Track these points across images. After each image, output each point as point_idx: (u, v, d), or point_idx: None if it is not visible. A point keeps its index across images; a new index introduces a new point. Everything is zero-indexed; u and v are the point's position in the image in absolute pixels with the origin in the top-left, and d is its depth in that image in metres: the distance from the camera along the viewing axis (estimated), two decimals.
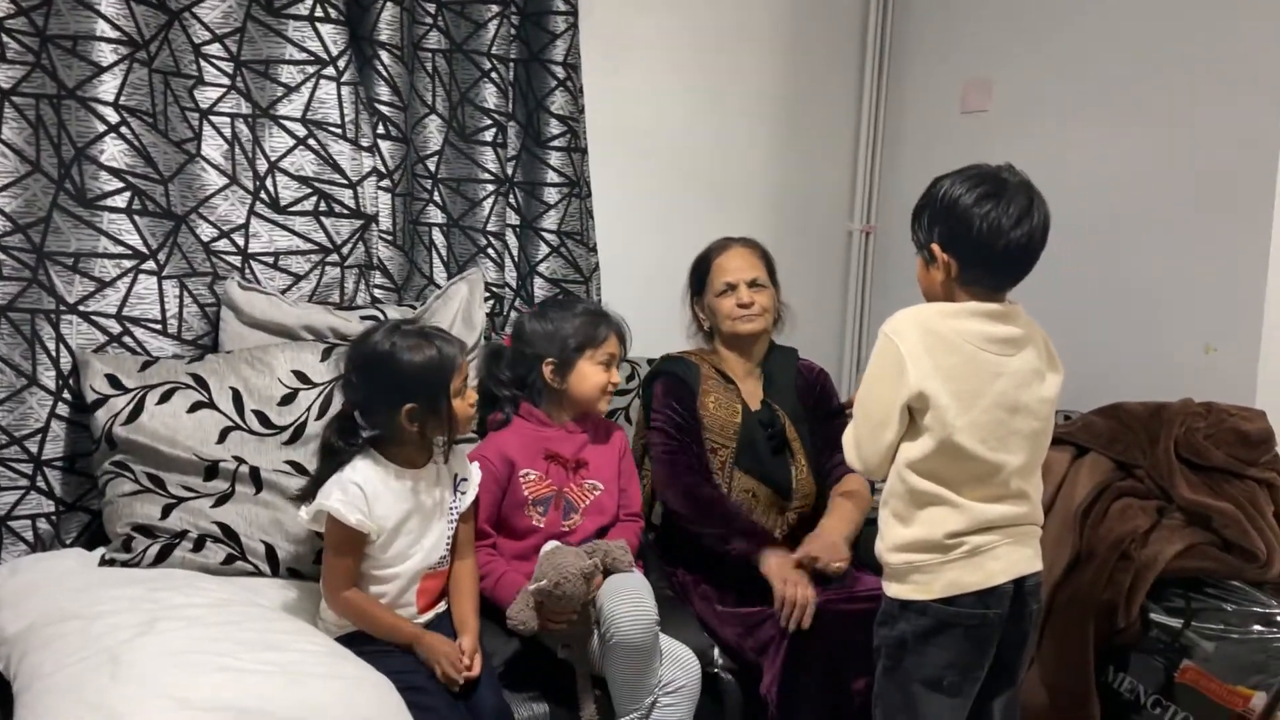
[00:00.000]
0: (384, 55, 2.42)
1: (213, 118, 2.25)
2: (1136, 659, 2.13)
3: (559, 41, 2.67)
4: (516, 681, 1.88)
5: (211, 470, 2.01)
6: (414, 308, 2.47)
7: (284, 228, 2.32)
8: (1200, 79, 2.64)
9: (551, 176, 2.72)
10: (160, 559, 1.91)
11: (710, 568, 2.24)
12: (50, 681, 1.51)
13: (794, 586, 1.99)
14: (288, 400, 2.13)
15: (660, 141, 3.07)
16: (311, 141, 2.33)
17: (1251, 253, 2.54)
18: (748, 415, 2.36)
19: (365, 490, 1.78)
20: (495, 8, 2.58)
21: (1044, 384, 1.67)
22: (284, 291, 2.32)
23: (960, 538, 1.62)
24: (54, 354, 2.08)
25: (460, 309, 2.41)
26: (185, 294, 2.21)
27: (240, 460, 2.04)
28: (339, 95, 2.34)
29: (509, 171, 2.70)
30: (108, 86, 2.08)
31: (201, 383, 2.08)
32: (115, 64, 2.08)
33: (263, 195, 2.30)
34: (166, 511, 1.96)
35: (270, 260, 2.32)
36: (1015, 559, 1.66)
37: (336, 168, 2.35)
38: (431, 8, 2.53)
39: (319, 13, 2.30)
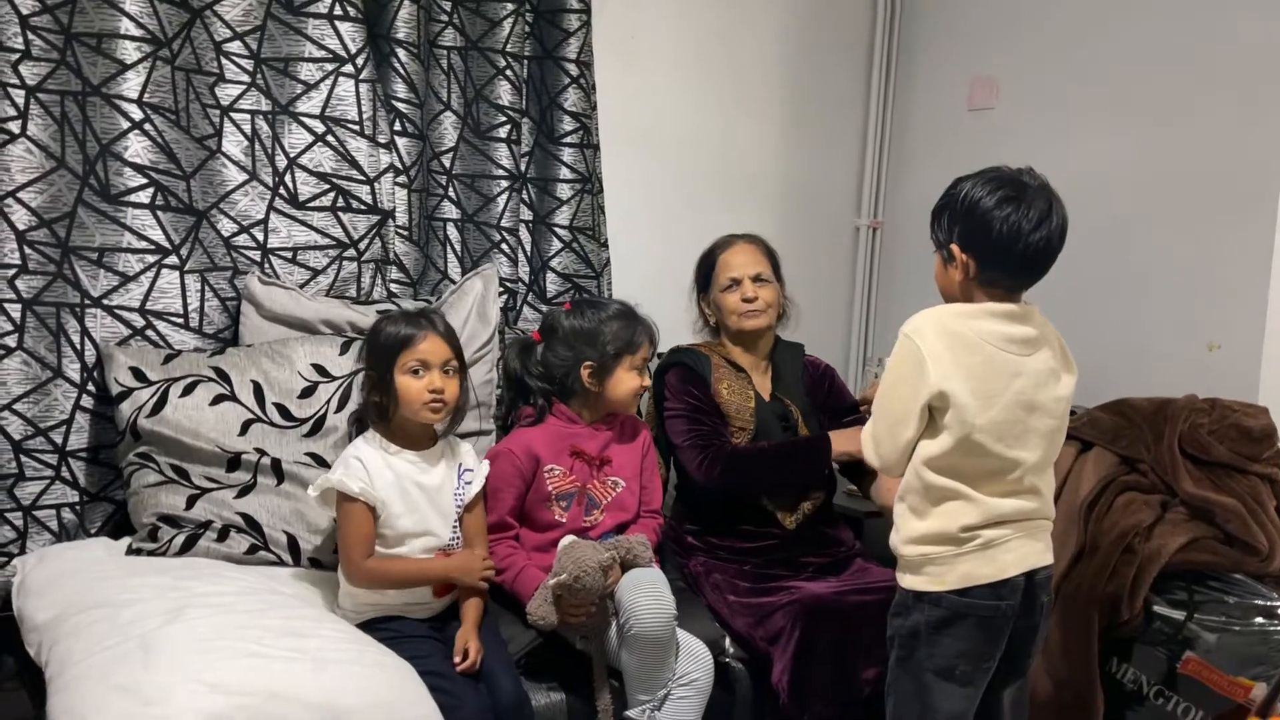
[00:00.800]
0: (401, 53, 2.46)
1: (233, 114, 2.29)
2: (1139, 650, 2.16)
3: (572, 39, 2.70)
4: (534, 671, 1.92)
5: (234, 462, 2.05)
6: (429, 302, 2.50)
7: (302, 223, 2.36)
8: (1205, 76, 2.67)
9: (564, 173, 2.75)
10: (186, 548, 1.95)
11: (722, 558, 2.27)
12: (82, 668, 1.55)
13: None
14: (308, 393, 2.16)
15: (670, 137, 3.11)
16: (330, 138, 2.36)
17: (1255, 250, 2.57)
18: (761, 403, 2.39)
19: (366, 465, 1.86)
20: (510, 6, 2.61)
21: (1059, 384, 1.70)
22: (302, 286, 2.35)
23: (974, 531, 1.65)
24: (78, 347, 2.12)
25: (475, 304, 2.45)
26: (206, 288, 2.25)
27: (262, 452, 2.07)
28: (357, 92, 2.37)
29: (522, 168, 2.73)
30: (131, 84, 2.11)
31: (223, 376, 2.11)
32: (139, 61, 2.12)
33: (282, 191, 2.34)
34: (191, 502, 2.00)
35: (289, 255, 2.35)
36: (1027, 552, 1.69)
37: (354, 164, 2.39)
38: (448, 6, 2.56)
39: (338, 11, 2.33)
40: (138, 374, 2.06)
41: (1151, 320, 2.78)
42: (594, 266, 2.81)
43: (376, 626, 1.82)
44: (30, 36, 2.03)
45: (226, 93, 2.28)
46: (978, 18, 3.26)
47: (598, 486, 2.16)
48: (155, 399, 2.04)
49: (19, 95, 2.03)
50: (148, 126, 2.14)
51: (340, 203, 2.39)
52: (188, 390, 2.07)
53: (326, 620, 1.77)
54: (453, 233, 2.65)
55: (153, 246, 2.16)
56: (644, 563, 1.98)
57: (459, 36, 2.59)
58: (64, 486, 2.12)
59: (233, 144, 2.29)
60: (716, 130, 3.20)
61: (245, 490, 2.04)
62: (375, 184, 2.42)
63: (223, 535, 1.98)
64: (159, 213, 2.16)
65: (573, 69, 2.72)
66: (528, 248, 2.79)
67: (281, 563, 2.02)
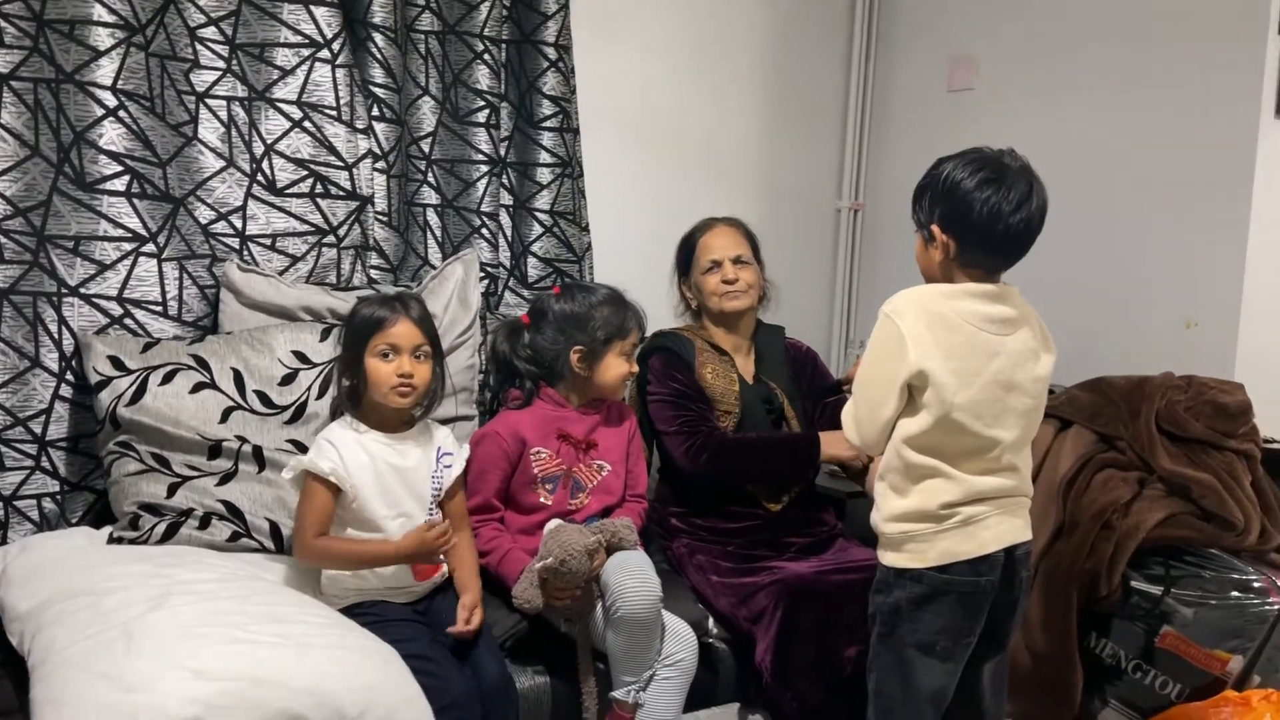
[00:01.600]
0: (378, 37, 2.44)
1: (209, 101, 2.27)
2: (1118, 625, 2.19)
3: (550, 23, 2.70)
4: (519, 653, 1.93)
5: (215, 450, 2.05)
6: (410, 288, 2.50)
7: (281, 210, 2.35)
8: (1181, 56, 2.68)
9: (544, 157, 2.75)
10: (167, 536, 1.95)
11: (705, 539, 2.29)
12: (65, 656, 1.54)
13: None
14: (288, 380, 2.16)
15: (650, 121, 3.10)
16: (307, 124, 2.35)
17: (1231, 228, 2.59)
18: (745, 386, 2.40)
19: (338, 447, 1.86)
20: None
21: (1038, 363, 1.71)
22: (281, 273, 2.35)
23: (954, 508, 1.67)
24: (56, 336, 2.11)
25: (456, 289, 2.44)
26: (185, 276, 2.24)
27: (243, 440, 2.07)
28: (334, 78, 2.36)
29: (502, 152, 2.72)
30: (105, 70, 2.10)
31: (203, 364, 2.11)
32: (112, 48, 2.10)
33: (259, 178, 2.32)
34: (172, 490, 2.00)
35: (268, 242, 2.34)
36: (1006, 529, 1.71)
37: (332, 150, 2.38)
38: None
39: None
40: (116, 363, 2.05)
41: (1129, 299, 2.80)
42: (575, 251, 2.80)
43: (360, 611, 1.83)
44: (2, 24, 2.02)
45: (202, 79, 2.27)
46: None
47: (583, 470, 2.16)
48: (134, 387, 2.04)
49: None
50: (122, 113, 2.12)
51: (319, 189, 2.38)
52: (167, 378, 2.06)
53: (309, 605, 1.76)
54: (433, 218, 2.64)
55: (129, 234, 2.15)
56: (629, 546, 1.99)
57: (436, 21, 2.58)
58: (44, 476, 2.11)
59: (209, 131, 2.28)
60: (697, 113, 3.20)
61: (227, 478, 2.04)
62: (354, 170, 2.41)
63: (204, 523, 1.98)
64: (135, 200, 2.15)
65: (551, 53, 2.71)
66: (508, 232, 2.78)
67: (264, 549, 2.02)
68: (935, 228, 1.68)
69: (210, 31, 2.26)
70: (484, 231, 2.68)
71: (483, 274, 2.63)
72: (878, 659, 1.76)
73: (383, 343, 1.87)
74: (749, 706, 2.09)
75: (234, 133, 2.30)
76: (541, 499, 2.12)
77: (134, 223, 2.15)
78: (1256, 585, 2.13)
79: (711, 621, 2.13)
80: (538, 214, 2.77)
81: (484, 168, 2.66)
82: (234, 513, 2.02)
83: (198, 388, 2.08)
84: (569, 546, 1.88)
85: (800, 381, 2.50)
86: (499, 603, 1.99)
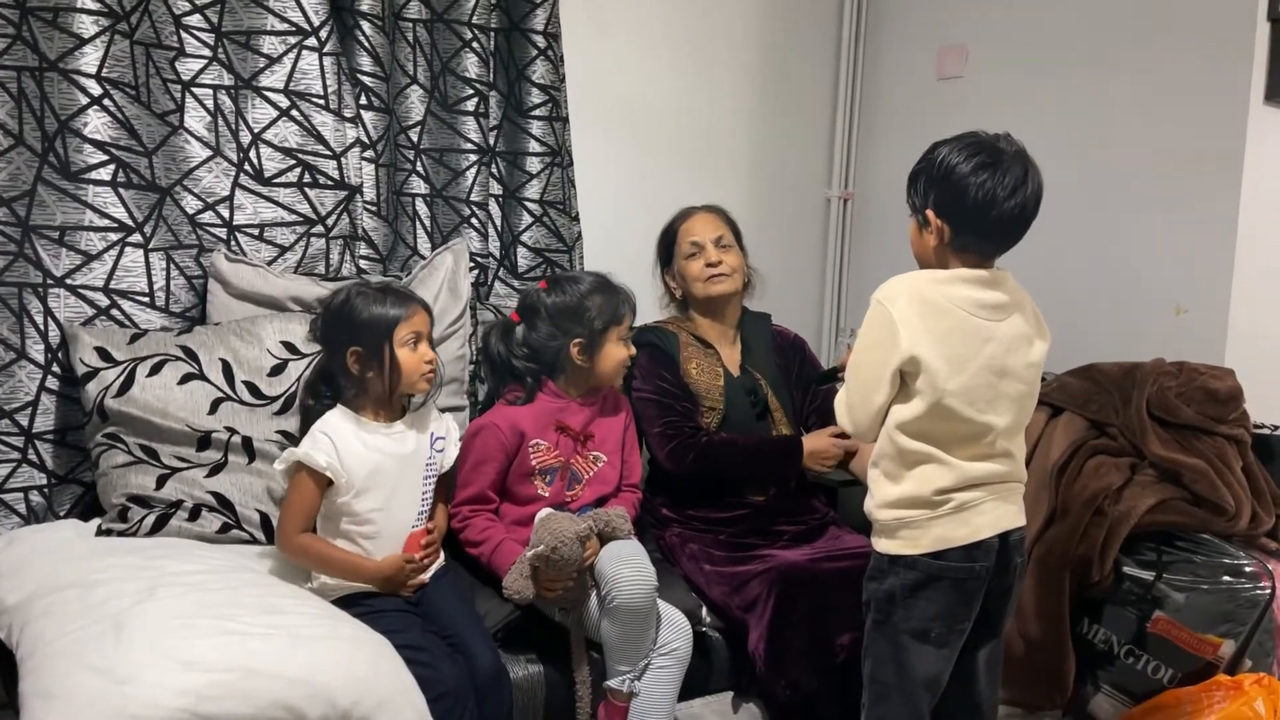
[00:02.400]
0: (365, 25, 2.42)
1: (195, 89, 2.25)
2: (1110, 610, 2.20)
3: (539, 10, 2.68)
4: (512, 642, 1.92)
5: (204, 441, 2.03)
6: (399, 278, 2.48)
7: (269, 199, 2.33)
8: (1170, 43, 2.68)
9: (533, 146, 2.73)
10: (157, 528, 1.94)
11: (697, 529, 2.28)
12: (54, 648, 1.53)
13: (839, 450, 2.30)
14: (277, 371, 2.14)
15: (640, 110, 3.09)
16: (294, 113, 2.33)
17: (1221, 214, 2.59)
18: (730, 380, 2.40)
19: (334, 440, 1.86)
20: None
21: (1031, 349, 1.71)
22: (270, 263, 2.33)
23: (948, 494, 1.66)
24: (42, 328, 2.08)
25: (446, 279, 2.43)
26: (172, 266, 2.22)
27: (232, 430, 2.06)
28: (321, 66, 2.34)
29: (491, 141, 2.71)
30: (89, 59, 2.07)
31: (191, 355, 2.09)
32: (96, 36, 2.08)
33: (247, 167, 2.30)
34: (161, 482, 1.98)
35: (255, 232, 2.32)
36: (1000, 514, 1.71)
37: (320, 139, 2.36)
38: None
39: None
40: (103, 354, 2.03)
41: (1119, 285, 2.80)
42: (565, 240, 2.79)
43: (351, 602, 1.82)
44: None
45: (187, 67, 2.24)
46: None
47: (580, 461, 2.16)
48: (122, 379, 2.02)
49: None
50: (107, 102, 2.10)
51: (307, 178, 2.36)
52: (155, 370, 2.05)
53: (301, 596, 1.76)
54: (422, 208, 2.63)
55: (115, 225, 2.13)
56: (623, 535, 1.99)
57: (424, 9, 2.56)
58: (31, 469, 2.09)
59: (195, 120, 2.26)
60: (686, 102, 3.19)
61: (216, 469, 2.03)
62: (342, 159, 2.39)
63: (194, 514, 1.97)
64: (121, 190, 2.13)
65: (540, 41, 2.69)
66: (498, 222, 2.77)
67: (254, 541, 2.01)
68: (930, 212, 1.67)
69: (196, 19, 2.24)
70: (473, 221, 2.67)
71: (472, 264, 2.61)
72: (872, 646, 1.76)
73: (409, 332, 1.90)
74: (742, 695, 2.09)
75: (220, 122, 2.28)
76: (539, 490, 2.11)
77: (120, 213, 2.13)
78: (1248, 570, 2.14)
79: (705, 610, 2.13)
80: (527, 203, 2.75)
81: (473, 157, 2.65)
82: (224, 504, 2.00)
83: (186, 379, 2.07)
84: (560, 534, 1.87)
85: (788, 370, 2.50)
86: (491, 593, 1.98)
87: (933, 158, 1.67)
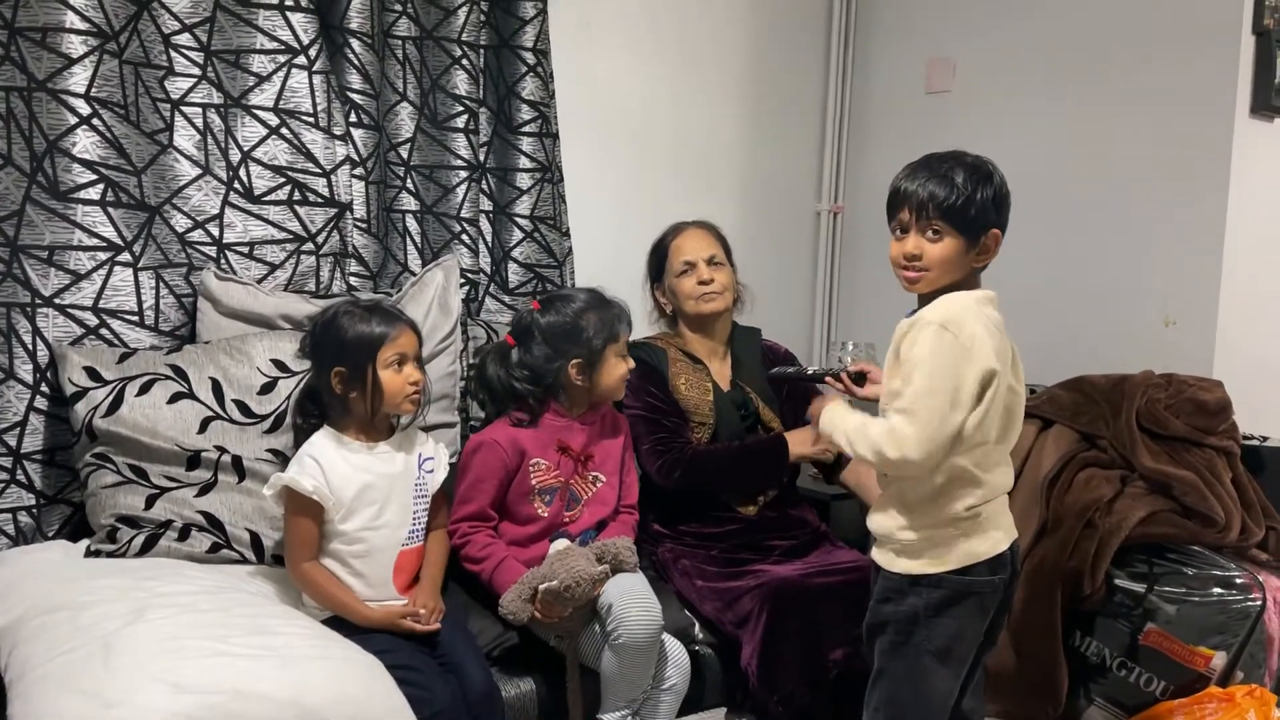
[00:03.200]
0: (355, 43, 2.43)
1: (184, 108, 2.25)
2: (1102, 623, 2.20)
3: (528, 27, 2.69)
4: (505, 662, 1.92)
5: (194, 460, 2.02)
6: (390, 294, 2.48)
7: (258, 217, 2.33)
8: (1157, 56, 2.71)
9: (523, 162, 2.74)
10: (146, 549, 1.93)
11: (689, 544, 2.28)
12: (43, 671, 1.52)
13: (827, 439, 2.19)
14: (267, 389, 2.14)
15: (630, 125, 3.10)
16: (284, 131, 2.33)
17: (1208, 227, 2.61)
18: (719, 395, 2.40)
19: (321, 462, 1.85)
20: None
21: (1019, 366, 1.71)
22: (260, 281, 2.32)
23: (976, 509, 1.65)
24: (30, 347, 2.07)
25: (436, 295, 2.43)
26: (161, 285, 2.21)
27: (222, 450, 2.05)
28: (310, 84, 2.34)
29: (481, 158, 2.71)
30: (78, 78, 2.07)
31: (181, 373, 2.08)
32: (85, 55, 2.08)
33: (236, 185, 2.30)
34: (150, 502, 1.97)
35: (245, 250, 2.32)
36: (1008, 524, 1.72)
37: (310, 156, 2.36)
38: None
39: (289, 2, 2.30)
40: (92, 373, 2.02)
41: (1108, 298, 2.81)
42: (556, 256, 2.79)
43: (343, 622, 1.81)
44: None
45: (177, 86, 2.24)
46: (933, 0, 3.28)
47: (580, 482, 2.15)
48: (111, 398, 2.01)
49: None
50: (96, 122, 2.10)
51: (296, 196, 2.36)
52: (144, 389, 2.04)
53: (292, 617, 1.75)
54: (412, 224, 2.63)
55: (104, 244, 2.12)
56: (629, 568, 1.97)
57: (413, 26, 2.56)
58: (19, 490, 2.08)
59: (184, 138, 2.26)
60: (676, 117, 3.20)
61: (206, 488, 2.02)
62: (332, 176, 2.39)
63: (184, 534, 1.96)
64: (110, 209, 2.13)
65: (530, 57, 2.70)
66: (489, 238, 2.77)
67: (245, 561, 2.00)
68: (996, 232, 1.66)
69: (185, 38, 2.24)
70: (464, 237, 2.67)
71: (463, 280, 2.62)
72: (888, 669, 1.71)
73: (393, 353, 1.88)
74: (735, 711, 2.09)
75: (210, 140, 2.28)
76: (538, 510, 2.09)
77: (109, 232, 2.13)
78: (1239, 581, 2.14)
79: (697, 626, 2.12)
80: (518, 219, 2.76)
81: (463, 173, 2.65)
82: (214, 524, 1.99)
83: (175, 398, 2.06)
84: (578, 574, 1.84)
85: (778, 384, 2.50)
86: (485, 612, 1.98)
87: (994, 179, 1.65)
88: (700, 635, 2.12)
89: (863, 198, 3.49)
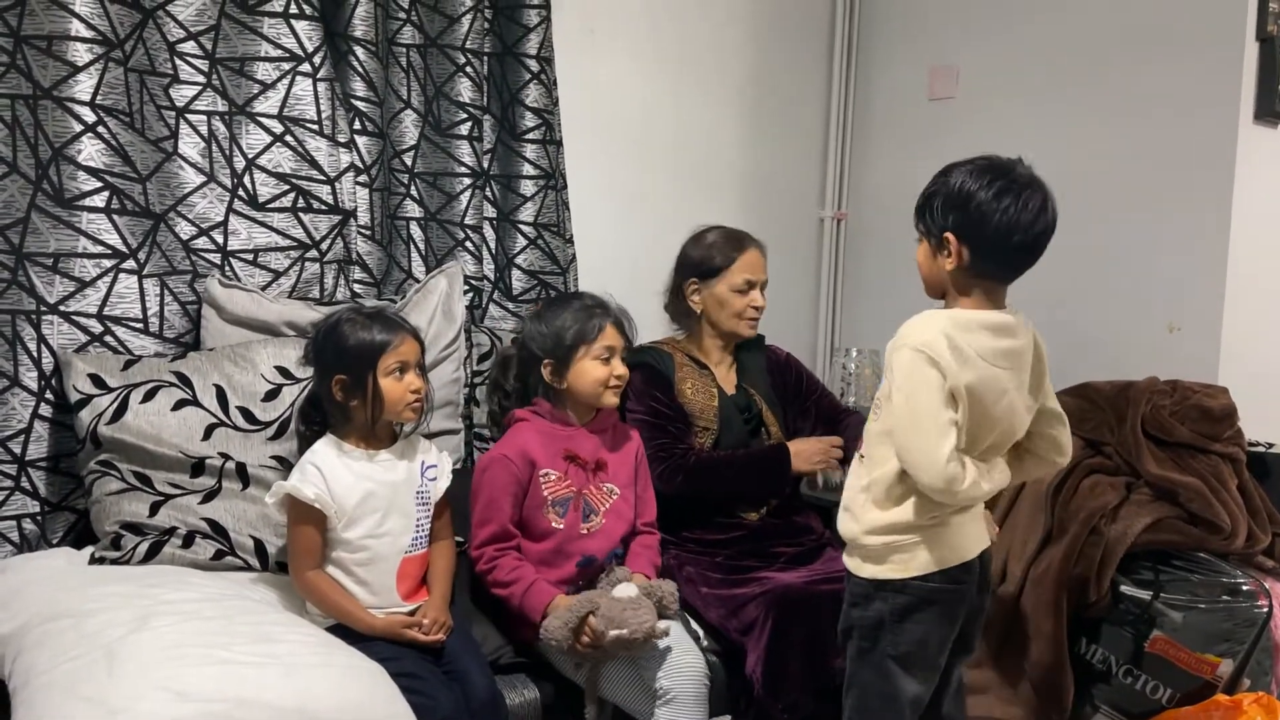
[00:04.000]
0: (359, 51, 2.43)
1: (189, 116, 2.26)
2: (1108, 630, 2.19)
3: (532, 35, 2.69)
4: (509, 670, 1.91)
5: (198, 467, 2.03)
6: (394, 301, 2.48)
7: (263, 224, 2.33)
8: (1160, 62, 2.71)
9: (527, 169, 2.74)
10: (150, 556, 1.92)
11: (694, 551, 2.28)
12: (47, 679, 1.52)
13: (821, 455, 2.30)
14: (271, 396, 2.14)
15: (634, 132, 3.10)
16: (289, 138, 2.34)
17: (1212, 233, 2.61)
18: (724, 399, 2.40)
19: (323, 470, 1.85)
20: (469, 2, 2.60)
21: (1031, 400, 1.68)
22: (264, 288, 2.33)
23: (941, 517, 1.66)
24: (35, 355, 2.08)
25: (440, 302, 2.43)
26: (166, 292, 2.22)
27: (226, 456, 2.05)
28: (315, 92, 2.35)
29: (485, 165, 2.72)
30: (83, 86, 2.08)
31: (185, 380, 2.09)
32: (90, 63, 2.08)
33: (241, 192, 2.31)
34: (154, 509, 1.98)
35: (250, 257, 2.32)
36: (979, 533, 1.72)
37: (314, 164, 2.36)
38: (405, 3, 2.54)
39: (294, 9, 2.31)
40: (97, 381, 2.03)
41: (1112, 304, 2.81)
42: (560, 263, 2.80)
43: (346, 629, 1.81)
44: None
45: (181, 94, 2.25)
46: (936, 7, 3.29)
47: (594, 492, 2.10)
48: (115, 405, 2.01)
49: None
50: (101, 129, 2.10)
51: (301, 203, 2.36)
52: (149, 396, 2.04)
53: (295, 624, 1.75)
54: (416, 231, 2.63)
55: (109, 251, 2.13)
56: (670, 614, 1.97)
57: (418, 34, 2.57)
58: (24, 497, 2.08)
59: (189, 146, 2.26)
60: (679, 123, 3.20)
61: (210, 495, 2.02)
62: (336, 184, 2.40)
63: (188, 542, 1.96)
64: (115, 216, 2.13)
65: (533, 64, 2.71)
66: (492, 245, 2.77)
67: (248, 568, 2.00)
68: (950, 235, 1.62)
69: (190, 46, 2.24)
70: (468, 244, 2.67)
71: (467, 287, 2.62)
72: (857, 675, 1.73)
73: (394, 361, 1.87)
74: (741, 718, 2.08)
75: (215, 147, 2.28)
76: (553, 523, 2.05)
77: (114, 239, 2.13)
78: (1245, 588, 2.13)
79: (702, 634, 2.12)
80: (521, 226, 2.76)
81: (467, 180, 2.66)
82: (218, 531, 1.99)
83: (180, 405, 2.06)
84: (645, 629, 1.83)
85: (781, 387, 2.50)
86: (488, 620, 1.97)
87: (948, 180, 1.63)
88: (705, 642, 2.11)
89: (866, 204, 3.49)
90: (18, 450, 2.07)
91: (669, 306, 2.49)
